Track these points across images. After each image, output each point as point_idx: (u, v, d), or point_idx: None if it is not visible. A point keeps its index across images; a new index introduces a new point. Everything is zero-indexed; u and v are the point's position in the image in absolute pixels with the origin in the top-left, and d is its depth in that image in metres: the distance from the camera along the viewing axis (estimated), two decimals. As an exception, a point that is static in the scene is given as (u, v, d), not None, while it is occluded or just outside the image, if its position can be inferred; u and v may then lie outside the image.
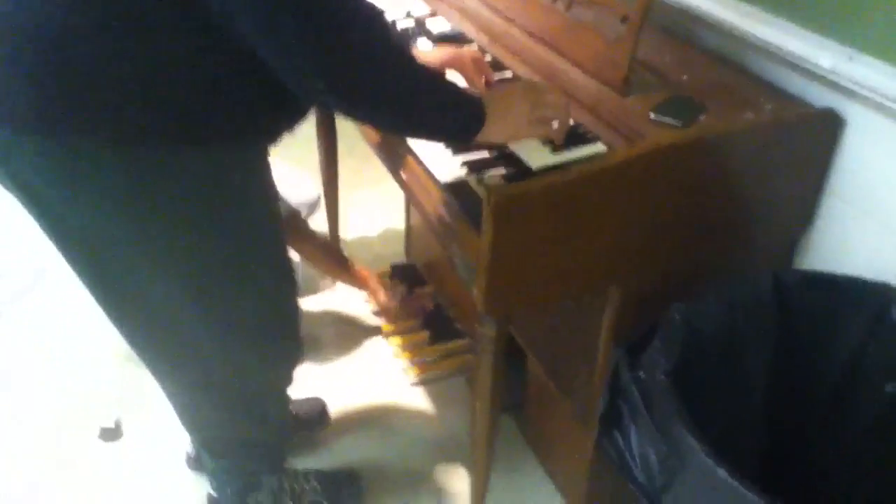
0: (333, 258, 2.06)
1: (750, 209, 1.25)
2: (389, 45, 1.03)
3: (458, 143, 1.25)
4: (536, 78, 1.38)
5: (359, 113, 1.09)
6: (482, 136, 1.14)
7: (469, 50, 1.42)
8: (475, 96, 1.14)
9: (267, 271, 1.25)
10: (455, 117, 1.13)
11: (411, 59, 1.08)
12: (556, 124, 1.19)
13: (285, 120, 1.13)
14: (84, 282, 1.16)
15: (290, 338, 1.41)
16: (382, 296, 2.07)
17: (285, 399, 1.54)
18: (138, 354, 1.30)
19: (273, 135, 1.12)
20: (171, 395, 1.41)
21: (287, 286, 1.34)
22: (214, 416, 1.41)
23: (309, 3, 0.89)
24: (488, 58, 1.49)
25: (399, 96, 1.05)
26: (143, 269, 1.11)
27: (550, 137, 1.20)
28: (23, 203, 1.07)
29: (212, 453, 1.51)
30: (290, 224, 1.86)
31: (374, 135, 1.40)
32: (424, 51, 1.44)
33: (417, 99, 1.07)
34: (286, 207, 1.81)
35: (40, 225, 1.09)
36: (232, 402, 1.38)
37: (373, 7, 1.02)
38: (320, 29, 0.91)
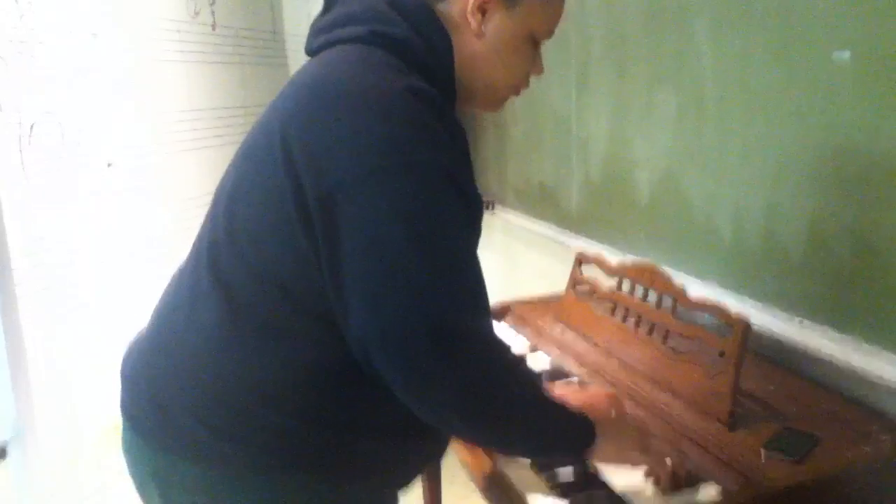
0: None
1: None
2: (520, 378, 1.07)
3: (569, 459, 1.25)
4: (640, 412, 1.38)
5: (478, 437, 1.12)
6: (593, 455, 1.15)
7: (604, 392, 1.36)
8: (588, 421, 1.13)
9: None
10: (566, 441, 1.13)
11: (538, 390, 1.10)
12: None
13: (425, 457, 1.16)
14: None
15: None
16: None
17: None
18: None
19: (408, 476, 1.15)
20: None
21: None
22: None
23: (448, 343, 0.92)
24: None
25: (525, 425, 1.07)
26: None
27: (656, 471, 1.18)
28: None
29: None
30: None
31: (480, 478, 1.39)
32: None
33: (540, 429, 1.09)
34: None
35: None
36: None
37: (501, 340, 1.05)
38: (459, 367, 0.93)
